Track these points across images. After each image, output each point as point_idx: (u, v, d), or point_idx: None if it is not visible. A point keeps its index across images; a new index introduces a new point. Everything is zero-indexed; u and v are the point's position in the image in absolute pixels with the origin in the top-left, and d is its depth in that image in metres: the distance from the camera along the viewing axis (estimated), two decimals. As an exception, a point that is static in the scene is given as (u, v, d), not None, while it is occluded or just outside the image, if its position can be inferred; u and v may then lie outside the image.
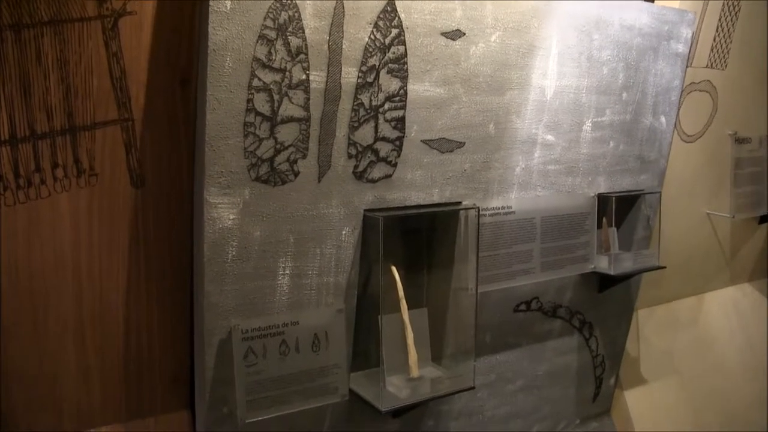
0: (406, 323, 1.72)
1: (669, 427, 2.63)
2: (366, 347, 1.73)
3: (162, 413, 1.65)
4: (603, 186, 2.10)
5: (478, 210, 1.72)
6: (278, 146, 1.45)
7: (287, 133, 1.46)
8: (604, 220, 2.18)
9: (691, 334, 2.90)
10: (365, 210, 1.60)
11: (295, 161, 1.48)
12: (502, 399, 2.12)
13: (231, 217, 1.44)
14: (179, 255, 1.57)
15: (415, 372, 1.72)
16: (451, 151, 1.71)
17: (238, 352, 1.50)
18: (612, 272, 2.12)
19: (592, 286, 2.22)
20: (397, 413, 1.81)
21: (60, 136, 1.33)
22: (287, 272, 1.54)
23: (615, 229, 2.26)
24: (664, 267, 2.26)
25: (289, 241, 1.52)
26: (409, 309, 1.73)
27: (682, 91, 2.27)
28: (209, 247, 1.43)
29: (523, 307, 2.02)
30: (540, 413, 2.26)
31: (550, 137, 1.91)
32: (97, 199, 1.42)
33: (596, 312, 2.29)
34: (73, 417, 1.54)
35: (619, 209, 2.26)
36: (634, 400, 2.57)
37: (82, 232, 1.43)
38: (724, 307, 3.11)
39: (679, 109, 2.32)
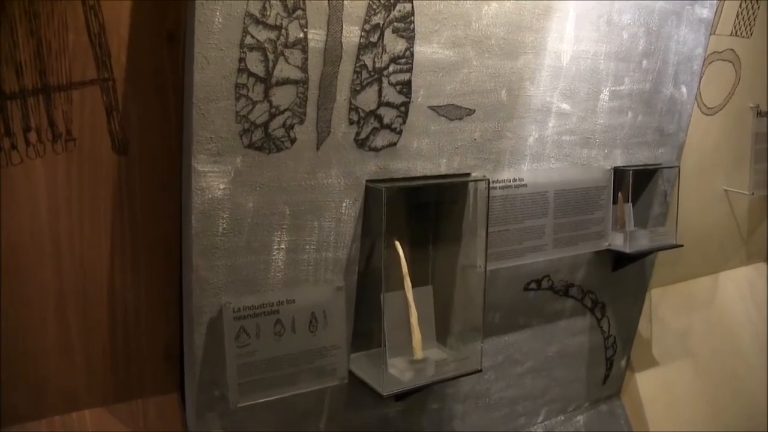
0: (410, 302, 1.61)
1: (681, 411, 2.52)
2: (367, 327, 1.62)
3: (152, 395, 1.55)
4: (620, 159, 1.97)
5: (488, 182, 1.60)
6: (273, 110, 1.33)
7: (283, 96, 1.33)
8: (620, 195, 2.05)
9: (706, 314, 2.79)
10: (367, 181, 1.48)
11: (292, 127, 1.36)
12: (510, 381, 2.02)
13: (221, 186, 1.32)
14: (168, 227, 1.45)
15: (418, 353, 1.61)
16: (460, 118, 1.58)
17: (230, 332, 1.39)
18: (627, 250, 2.00)
19: (606, 265, 2.11)
20: (400, 396, 1.71)
21: (32, 96, 1.21)
22: (282, 247, 1.43)
23: (631, 205, 2.14)
24: (681, 245, 2.14)
25: (284, 213, 1.41)
26: (413, 287, 1.62)
27: (704, 60, 2.13)
28: (198, 219, 1.32)
29: (533, 285, 1.91)
30: (549, 396, 2.16)
31: (565, 106, 1.78)
32: (75, 166, 1.31)
33: (609, 291, 2.18)
34: (56, 399, 1.43)
35: (636, 184, 2.14)
36: (646, 383, 2.46)
37: (61, 202, 1.31)
38: (740, 287, 2.99)
39: (700, 80, 2.18)
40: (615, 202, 2.03)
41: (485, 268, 1.61)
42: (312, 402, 1.60)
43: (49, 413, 1.43)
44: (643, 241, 2.06)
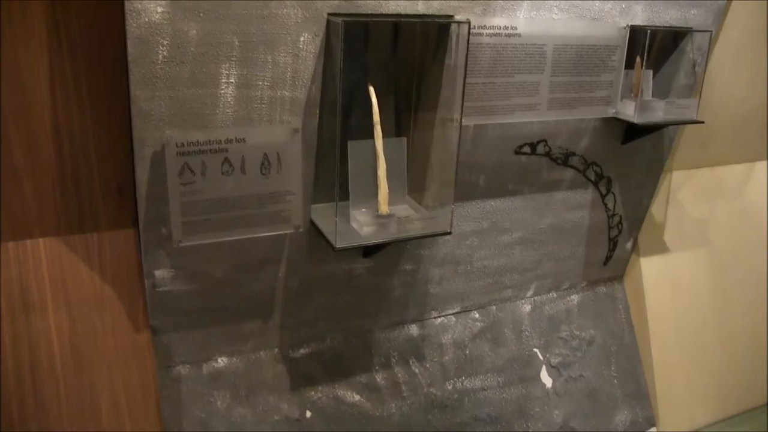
0: (379, 152, 1.50)
1: (684, 302, 2.39)
2: (331, 177, 1.52)
3: (106, 229, 1.51)
4: (640, 16, 1.75)
5: (469, 24, 1.43)
6: None
7: None
8: (638, 59, 1.85)
9: (732, 204, 2.59)
10: (329, 14, 1.34)
11: (239, -58, 1.22)
12: (496, 250, 1.92)
13: (159, 10, 1.20)
14: (112, 51, 1.35)
15: (384, 208, 1.52)
16: (444, -50, 1.41)
17: (172, 167, 1.32)
18: (636, 120, 1.82)
19: (615, 136, 1.94)
20: (368, 252, 1.64)
21: None
22: (232, 81, 1.32)
23: (650, 72, 1.93)
24: (702, 122, 1.94)
25: (233, 43, 1.29)
26: (386, 137, 1.51)
27: None
28: (134, 45, 1.21)
29: (526, 149, 1.77)
30: (540, 270, 2.07)
31: (576, -53, 1.57)
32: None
33: (617, 166, 2.02)
34: (7, 223, 1.40)
35: (660, 49, 1.93)
36: (651, 269, 2.33)
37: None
38: (778, 179, 2.77)
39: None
40: (631, 66, 1.84)
41: (460, 121, 1.47)
42: (269, 249, 1.54)
43: (2, 239, 1.41)
44: (656, 113, 1.87)
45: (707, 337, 2.44)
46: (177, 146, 1.31)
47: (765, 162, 2.71)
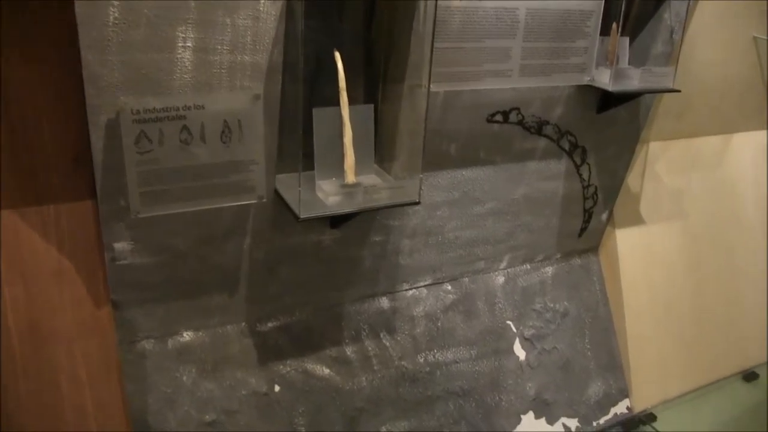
0: (345, 119, 1.46)
1: (659, 274, 2.39)
2: (296, 146, 1.47)
3: (63, 201, 1.46)
4: (615, -19, 1.72)
5: (437, -13, 1.38)
6: None
7: None
8: (614, 25, 1.81)
9: (709, 177, 2.58)
10: (290, -26, 1.30)
11: None
12: (468, 221, 1.89)
13: (108, -33, 1.15)
14: (64, 10, 1.28)
15: (350, 177, 1.48)
16: None
17: (128, 135, 1.27)
18: (611, 88, 1.79)
19: (589, 105, 1.91)
20: (336, 223, 1.61)
21: None
22: (189, 45, 1.27)
23: (627, 40, 1.90)
24: (678, 90, 1.90)
25: (189, 6, 1.24)
26: (352, 105, 1.46)
27: None
28: (81, 6, 1.16)
29: (499, 117, 1.73)
30: (513, 241, 2.04)
31: None
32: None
33: (592, 136, 1.99)
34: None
35: (637, 16, 1.90)
36: (626, 240, 2.31)
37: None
38: (755, 152, 2.75)
39: None
40: (607, 33, 1.80)
41: (428, 86, 1.43)
42: (232, 220, 1.50)
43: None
44: (632, 81, 1.83)
45: (681, 308, 2.44)
46: (132, 113, 1.26)
47: (741, 134, 2.70)
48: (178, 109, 1.29)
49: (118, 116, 1.26)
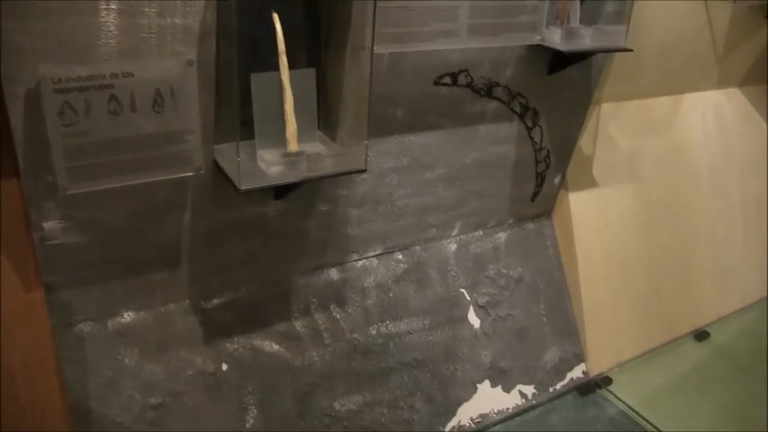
0: (285, 85, 1.41)
1: (612, 237, 2.41)
2: (233, 114, 1.43)
3: (-14, 179, 1.39)
4: (564, -64, 1.70)
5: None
6: None
7: None
8: (564, -17, 1.80)
9: (661, 138, 2.61)
10: (220, -73, 1.24)
11: None
12: (417, 188, 1.88)
13: None
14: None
15: (293, 146, 1.45)
16: None
17: (51, 106, 1.21)
18: (563, 48, 1.77)
19: (540, 66, 1.90)
20: (280, 194, 1.57)
21: None
22: (113, 7, 1.21)
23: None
24: (630, 50, 1.90)
25: (111, -37, 1.17)
26: (293, 69, 1.42)
27: None
28: (-6, -32, 1.09)
29: (447, 79, 1.71)
30: (465, 208, 2.04)
31: None
32: None
33: (543, 98, 1.99)
34: None
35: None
36: (579, 204, 2.33)
37: None
38: (706, 112, 2.79)
39: None
40: (557, -8, 1.79)
41: (372, 48, 1.39)
42: (170, 194, 1.46)
43: None
44: (584, 41, 1.83)
45: (635, 271, 2.47)
46: (54, 83, 1.19)
47: (692, 94, 2.72)
48: (104, 77, 1.23)
49: (39, 86, 1.19)
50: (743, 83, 2.93)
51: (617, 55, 2.14)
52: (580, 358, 2.30)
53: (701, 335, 2.62)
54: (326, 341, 1.82)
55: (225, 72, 1.37)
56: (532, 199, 2.22)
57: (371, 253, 1.91)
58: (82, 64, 1.22)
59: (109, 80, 1.24)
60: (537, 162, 2.13)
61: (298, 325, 1.79)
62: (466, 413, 2.03)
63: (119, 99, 1.26)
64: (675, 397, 2.29)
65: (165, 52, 1.28)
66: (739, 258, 2.86)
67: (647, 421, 2.14)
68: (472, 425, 2.03)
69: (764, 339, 2.64)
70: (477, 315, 2.10)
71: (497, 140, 1.96)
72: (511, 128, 1.97)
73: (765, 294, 2.93)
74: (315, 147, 1.52)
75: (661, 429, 2.11)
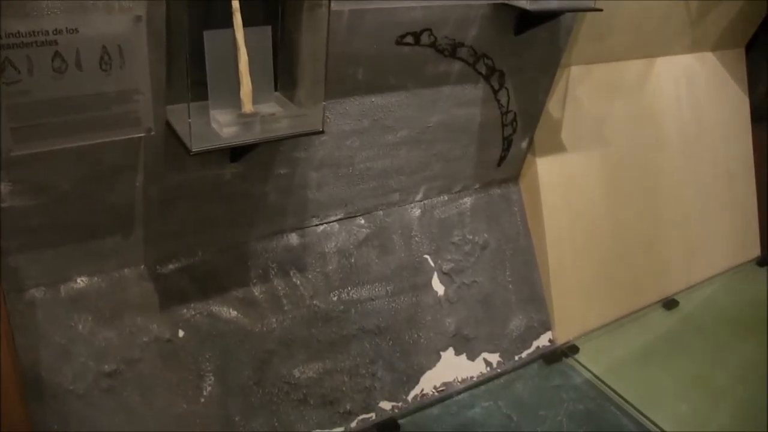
0: (240, 43, 1.41)
1: (580, 203, 2.44)
2: (185, 73, 1.42)
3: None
4: None
5: None
6: None
7: None
8: (529, -61, 1.80)
9: (631, 102, 2.63)
10: None
11: None
12: (379, 151, 1.89)
13: None
14: None
15: (247, 106, 1.45)
16: None
17: (-9, 63, 1.20)
18: (529, 7, 1.78)
19: (507, 26, 1.90)
20: (236, 156, 1.57)
21: None
22: (55, -41, 1.19)
23: (543, -44, 1.89)
24: (600, 9, 1.91)
25: None
26: (248, 26, 1.41)
27: None
28: None
29: (409, 39, 1.71)
30: (429, 171, 2.05)
31: None
32: None
33: (510, 59, 1.99)
34: None
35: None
36: (547, 169, 2.35)
37: None
38: (677, 77, 2.81)
39: None
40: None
41: (329, 4, 1.38)
42: (121, 155, 1.45)
43: None
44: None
45: (602, 237, 2.51)
46: (-6, 38, 1.18)
47: (664, 58, 2.75)
48: (47, 33, 1.22)
49: (-24, 42, 1.18)
50: (716, 47, 2.96)
51: (587, 16, 2.14)
52: (546, 326, 2.35)
53: (670, 304, 2.69)
54: (285, 307, 1.84)
55: (176, 29, 1.36)
56: (499, 164, 2.24)
57: (332, 218, 1.92)
58: (23, 19, 1.20)
59: (52, 36, 1.23)
60: (503, 125, 2.14)
61: (257, 290, 1.80)
62: (429, 381, 2.07)
63: (64, 56, 1.25)
64: (642, 366, 2.35)
65: (112, 8, 1.27)
66: (710, 225, 2.92)
67: (613, 390, 2.20)
68: (436, 393, 2.07)
69: (732, 308, 2.72)
70: (441, 282, 2.13)
71: (462, 102, 1.97)
72: (477, 90, 1.98)
73: (735, 263, 3.00)
74: (271, 108, 1.52)
75: (627, 398, 2.17)
